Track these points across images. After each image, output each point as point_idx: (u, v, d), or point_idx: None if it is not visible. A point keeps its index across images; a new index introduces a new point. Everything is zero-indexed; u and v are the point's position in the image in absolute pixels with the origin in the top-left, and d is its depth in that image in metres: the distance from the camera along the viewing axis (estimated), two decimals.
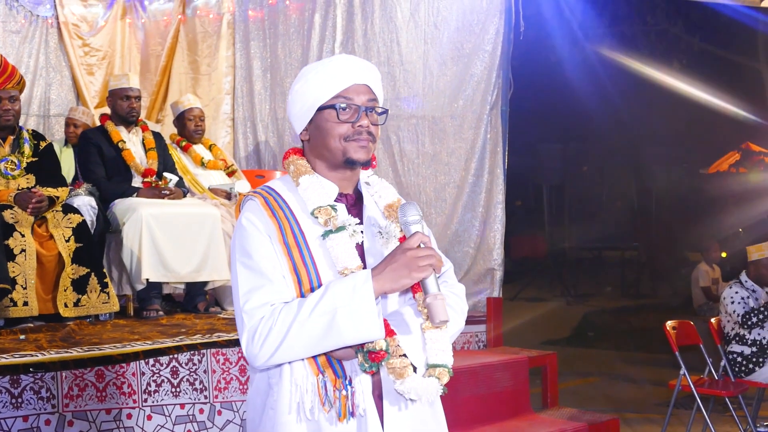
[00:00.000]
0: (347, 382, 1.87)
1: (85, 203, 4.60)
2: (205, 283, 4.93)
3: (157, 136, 5.40)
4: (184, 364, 3.57)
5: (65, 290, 4.34)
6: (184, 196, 5.16)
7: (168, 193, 4.99)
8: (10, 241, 4.20)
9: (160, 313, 4.72)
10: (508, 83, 5.72)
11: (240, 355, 3.68)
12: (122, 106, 5.18)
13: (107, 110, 5.37)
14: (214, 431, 3.59)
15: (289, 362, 1.86)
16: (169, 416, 3.50)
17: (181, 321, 4.52)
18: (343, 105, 1.95)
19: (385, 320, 1.86)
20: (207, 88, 6.66)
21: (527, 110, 8.42)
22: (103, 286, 4.47)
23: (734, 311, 5.62)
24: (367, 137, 1.96)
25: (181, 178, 5.27)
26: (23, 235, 4.25)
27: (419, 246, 1.85)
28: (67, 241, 4.40)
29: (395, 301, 1.96)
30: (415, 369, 1.89)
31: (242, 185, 5.44)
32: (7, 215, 4.25)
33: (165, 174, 5.13)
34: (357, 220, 1.96)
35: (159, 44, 6.75)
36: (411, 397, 1.87)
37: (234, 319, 2.10)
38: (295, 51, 6.37)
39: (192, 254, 4.80)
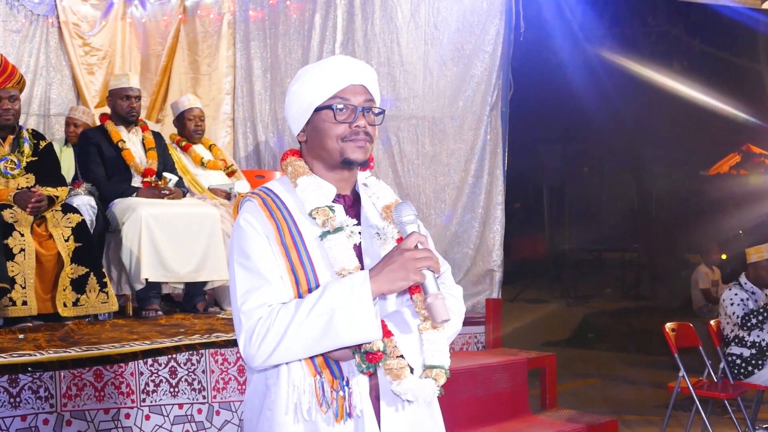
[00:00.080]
0: (344, 383, 1.87)
1: (85, 203, 4.61)
2: (204, 283, 4.93)
3: (157, 135, 5.40)
4: (182, 364, 3.58)
5: (64, 290, 4.34)
6: (184, 196, 5.16)
7: (167, 193, 4.99)
8: (10, 241, 4.20)
9: (159, 313, 4.72)
10: (509, 84, 5.73)
11: (238, 355, 3.68)
12: (122, 106, 5.18)
13: (107, 110, 5.37)
14: (212, 431, 3.59)
15: (287, 363, 1.86)
16: (168, 416, 3.50)
17: (180, 321, 4.52)
18: (339, 105, 1.96)
19: (382, 321, 1.86)
20: (207, 88, 6.67)
21: (527, 111, 8.40)
22: (102, 285, 4.47)
23: (734, 313, 5.62)
24: (364, 137, 1.96)
25: (180, 178, 5.27)
26: (22, 235, 4.26)
27: (416, 246, 1.85)
28: (67, 240, 4.40)
29: (393, 303, 1.96)
30: (412, 370, 1.89)
31: (242, 185, 5.44)
32: (7, 214, 4.25)
33: (165, 174, 5.14)
34: (355, 221, 1.96)
35: (159, 44, 6.75)
36: (408, 398, 1.87)
37: (232, 320, 2.10)
38: (296, 51, 6.37)
39: (191, 254, 4.80)
